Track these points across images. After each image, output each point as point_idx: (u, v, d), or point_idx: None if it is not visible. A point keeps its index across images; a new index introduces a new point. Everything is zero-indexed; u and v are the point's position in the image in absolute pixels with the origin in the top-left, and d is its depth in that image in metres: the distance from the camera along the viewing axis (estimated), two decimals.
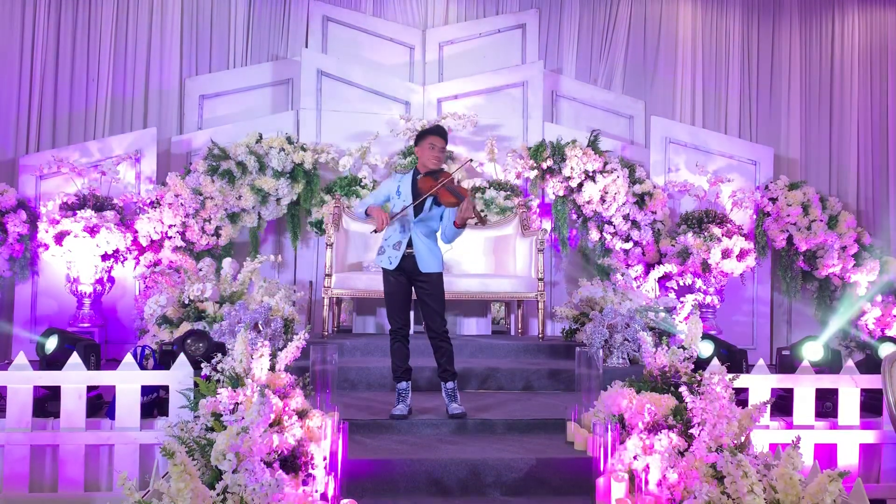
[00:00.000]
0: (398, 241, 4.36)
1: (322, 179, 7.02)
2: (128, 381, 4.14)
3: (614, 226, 7.06)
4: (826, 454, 4.58)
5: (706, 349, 5.04)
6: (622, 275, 6.57)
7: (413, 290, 4.45)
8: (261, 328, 5.02)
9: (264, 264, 6.48)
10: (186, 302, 5.45)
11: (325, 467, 3.25)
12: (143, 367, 4.41)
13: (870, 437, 4.63)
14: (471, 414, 4.40)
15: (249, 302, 5.46)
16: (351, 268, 6.41)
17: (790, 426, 4.57)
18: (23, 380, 4.12)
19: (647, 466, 3.29)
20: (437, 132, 4.40)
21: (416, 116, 7.30)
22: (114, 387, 4.16)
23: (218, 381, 3.54)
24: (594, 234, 7.14)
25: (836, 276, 7.34)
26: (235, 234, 6.78)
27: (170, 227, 6.42)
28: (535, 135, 7.45)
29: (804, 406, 4.59)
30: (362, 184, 6.93)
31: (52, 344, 4.55)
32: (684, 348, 4.07)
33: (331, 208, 6.51)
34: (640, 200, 7.09)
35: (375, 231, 4.32)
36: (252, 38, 7.68)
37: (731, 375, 3.54)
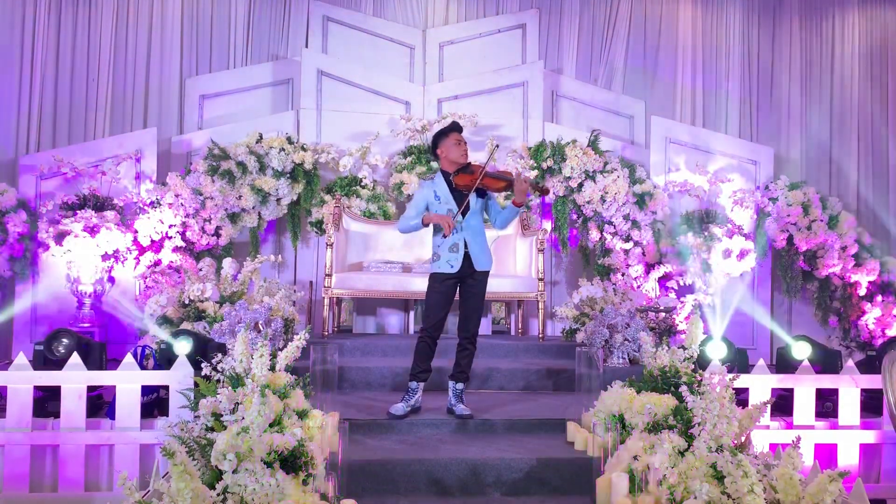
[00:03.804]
0: (454, 243, 4.30)
1: (322, 179, 7.01)
2: (128, 381, 4.14)
3: (614, 226, 7.05)
4: (826, 454, 4.58)
5: (720, 351, 5.01)
6: (622, 275, 6.56)
7: (458, 292, 4.41)
8: (261, 328, 5.02)
9: (264, 264, 6.48)
10: (187, 302, 5.46)
11: (325, 467, 3.25)
12: (143, 367, 4.41)
13: (870, 437, 4.63)
14: None
15: (250, 302, 5.46)
16: (351, 268, 6.41)
17: (790, 426, 4.57)
18: (23, 380, 4.12)
19: (647, 466, 3.28)
20: (456, 128, 4.41)
21: (417, 116, 7.29)
22: (114, 387, 4.16)
23: (218, 381, 3.55)
24: (594, 234, 7.13)
25: (836, 276, 7.34)
26: (235, 234, 6.77)
27: (170, 227, 6.42)
28: (536, 135, 7.45)
29: (804, 406, 4.59)
30: (362, 184, 6.93)
31: (63, 345, 4.54)
32: (685, 348, 4.07)
33: (331, 208, 6.51)
34: (641, 200, 7.08)
35: (445, 236, 4.28)
36: (252, 38, 7.68)
37: (731, 375, 3.54)
